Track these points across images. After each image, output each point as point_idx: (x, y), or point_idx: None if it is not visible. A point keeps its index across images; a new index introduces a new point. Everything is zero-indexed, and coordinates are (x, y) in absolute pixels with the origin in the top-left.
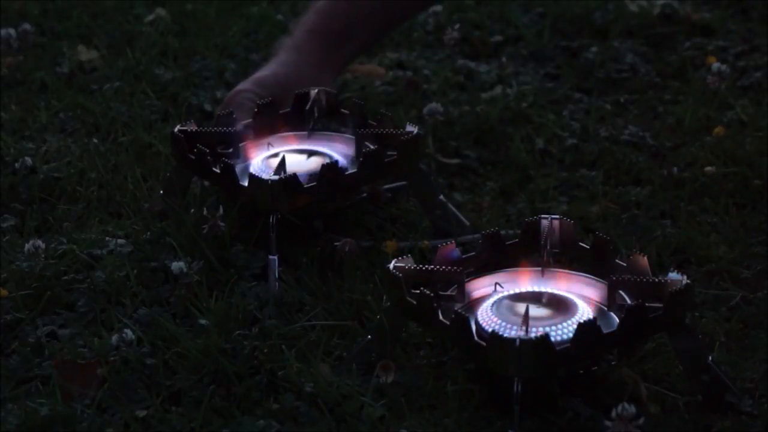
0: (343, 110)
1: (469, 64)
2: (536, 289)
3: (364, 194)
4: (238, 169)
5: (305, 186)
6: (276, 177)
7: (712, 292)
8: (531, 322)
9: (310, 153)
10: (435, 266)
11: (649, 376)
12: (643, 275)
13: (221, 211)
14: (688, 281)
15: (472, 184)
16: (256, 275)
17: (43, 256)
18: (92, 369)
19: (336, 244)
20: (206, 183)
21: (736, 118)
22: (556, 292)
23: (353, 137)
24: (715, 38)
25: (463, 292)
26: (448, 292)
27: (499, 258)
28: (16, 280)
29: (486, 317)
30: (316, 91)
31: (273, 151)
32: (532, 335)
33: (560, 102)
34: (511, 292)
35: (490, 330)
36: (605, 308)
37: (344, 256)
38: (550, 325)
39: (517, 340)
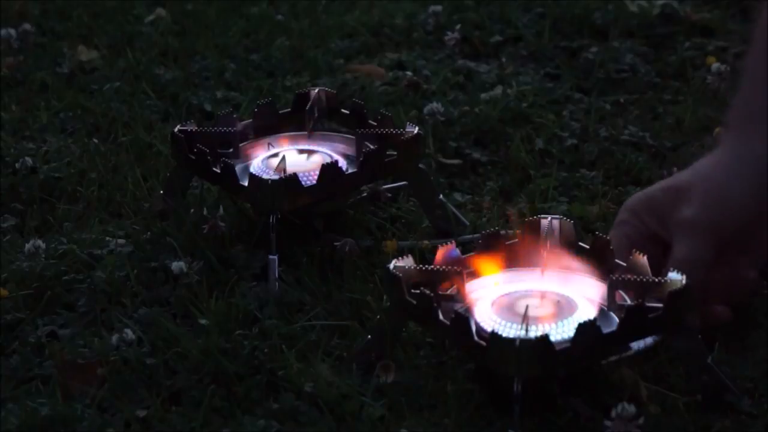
0: (343, 110)
1: (469, 64)
2: (536, 289)
3: (364, 194)
4: (238, 169)
5: (305, 186)
6: (276, 177)
7: None
8: (531, 322)
9: (310, 153)
10: (435, 266)
11: (649, 376)
12: (643, 275)
13: (221, 211)
14: (688, 281)
15: (472, 184)
16: (256, 275)
17: (43, 256)
18: (92, 369)
19: (336, 244)
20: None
21: None
22: (556, 292)
23: (353, 137)
24: (715, 38)
25: (463, 292)
26: (448, 292)
27: (499, 258)
28: (16, 280)
29: (486, 317)
30: (316, 90)
31: (273, 151)
32: (532, 335)
33: (560, 102)
34: (511, 291)
35: (490, 330)
36: (605, 308)
37: (344, 256)
38: (550, 325)
39: (517, 340)
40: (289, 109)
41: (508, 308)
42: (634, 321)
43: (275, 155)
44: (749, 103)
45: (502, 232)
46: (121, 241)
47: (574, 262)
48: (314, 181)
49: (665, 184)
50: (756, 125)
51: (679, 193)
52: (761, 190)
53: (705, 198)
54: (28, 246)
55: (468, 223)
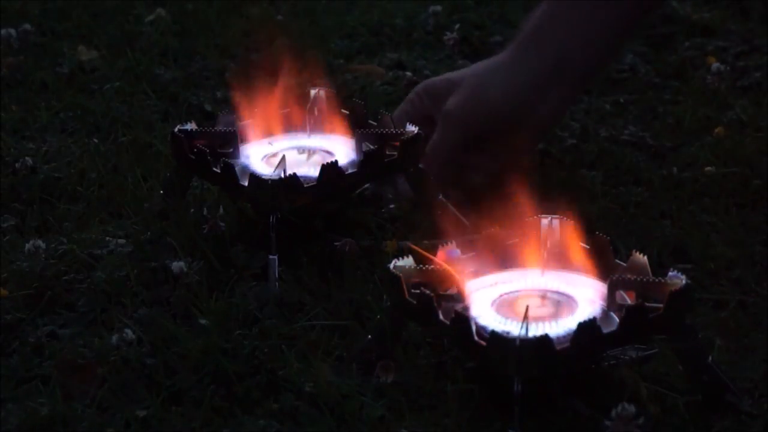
0: (343, 110)
1: (469, 64)
2: (536, 288)
3: (364, 194)
4: (238, 169)
5: (305, 186)
6: (276, 177)
7: (711, 292)
8: (531, 322)
9: (310, 153)
10: (435, 266)
11: (649, 376)
12: (643, 275)
13: (221, 211)
14: (688, 281)
15: None
16: (256, 275)
17: (43, 256)
18: (92, 369)
19: (336, 244)
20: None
21: (736, 118)
22: (556, 292)
23: (353, 137)
24: (715, 38)
25: (463, 292)
26: (448, 292)
27: (499, 258)
28: (16, 280)
29: (486, 317)
30: (316, 90)
31: (273, 150)
32: (532, 335)
33: None
34: (511, 291)
35: (490, 330)
36: (605, 308)
37: (344, 256)
38: (550, 325)
39: (517, 340)
40: (289, 109)
41: (508, 308)
42: (634, 321)
43: (275, 155)
44: (542, 17)
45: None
46: (121, 241)
47: (574, 262)
48: (314, 181)
49: (447, 75)
50: (538, 38)
51: (453, 84)
52: (517, 96)
53: (467, 92)
54: (28, 246)
55: (468, 223)
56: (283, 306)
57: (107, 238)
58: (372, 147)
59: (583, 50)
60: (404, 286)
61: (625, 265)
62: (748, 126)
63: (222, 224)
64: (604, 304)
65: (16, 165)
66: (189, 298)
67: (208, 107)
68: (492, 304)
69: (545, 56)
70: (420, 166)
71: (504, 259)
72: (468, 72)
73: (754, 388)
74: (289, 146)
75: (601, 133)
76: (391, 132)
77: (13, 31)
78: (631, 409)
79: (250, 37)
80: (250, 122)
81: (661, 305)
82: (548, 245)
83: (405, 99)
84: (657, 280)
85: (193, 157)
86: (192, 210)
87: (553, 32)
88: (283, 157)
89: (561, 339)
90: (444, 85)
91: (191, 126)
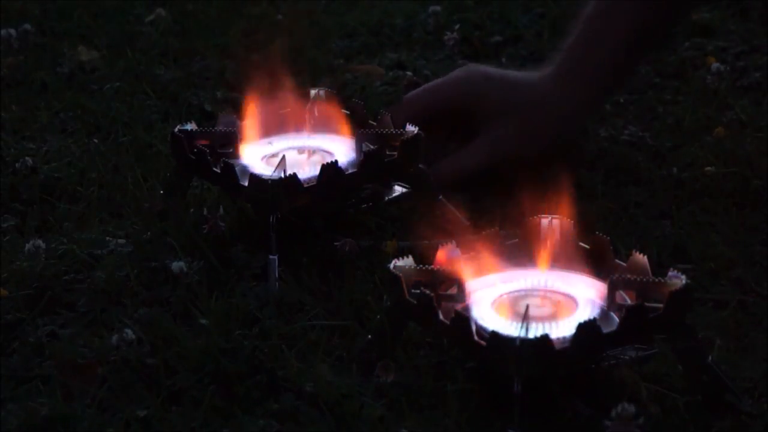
0: (343, 110)
1: (468, 64)
2: (536, 288)
3: (364, 194)
4: (238, 169)
5: (305, 186)
6: (276, 177)
7: (711, 292)
8: (531, 322)
9: (311, 152)
10: (435, 266)
11: (649, 376)
12: (642, 275)
13: (221, 211)
14: (688, 281)
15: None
16: (256, 275)
17: (43, 256)
18: (92, 369)
19: (336, 244)
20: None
21: (736, 118)
22: (556, 291)
23: (353, 137)
24: (715, 38)
25: (463, 292)
26: (448, 292)
27: (499, 258)
28: (16, 280)
29: (486, 317)
30: (315, 90)
31: (273, 151)
32: (532, 335)
33: None
34: (512, 291)
35: (490, 330)
36: (605, 308)
37: (344, 256)
38: (550, 325)
39: (517, 340)
40: (289, 109)
41: (508, 308)
42: (634, 321)
43: (275, 155)
44: (582, 56)
45: (502, 232)
46: (121, 241)
47: (574, 262)
48: (314, 181)
49: (502, 86)
50: (583, 62)
51: (505, 104)
52: (566, 137)
53: (517, 127)
54: (28, 246)
55: (468, 223)
56: (283, 306)
57: (107, 238)
58: (372, 147)
59: (621, 72)
60: (404, 286)
61: (625, 265)
62: (748, 126)
63: (222, 224)
64: (604, 304)
65: (16, 165)
66: (189, 298)
67: (208, 107)
68: (492, 304)
69: (592, 85)
70: (420, 166)
71: (504, 259)
72: (519, 83)
73: (754, 388)
74: (289, 146)
75: (601, 133)
76: (391, 132)
77: (13, 31)
78: (631, 409)
79: (250, 37)
80: (250, 122)
81: (661, 305)
82: (548, 245)
83: (434, 84)
84: (657, 280)
85: (193, 157)
86: (192, 210)
87: (595, 55)
88: (283, 157)
89: (561, 339)
90: (497, 96)
91: (191, 126)
